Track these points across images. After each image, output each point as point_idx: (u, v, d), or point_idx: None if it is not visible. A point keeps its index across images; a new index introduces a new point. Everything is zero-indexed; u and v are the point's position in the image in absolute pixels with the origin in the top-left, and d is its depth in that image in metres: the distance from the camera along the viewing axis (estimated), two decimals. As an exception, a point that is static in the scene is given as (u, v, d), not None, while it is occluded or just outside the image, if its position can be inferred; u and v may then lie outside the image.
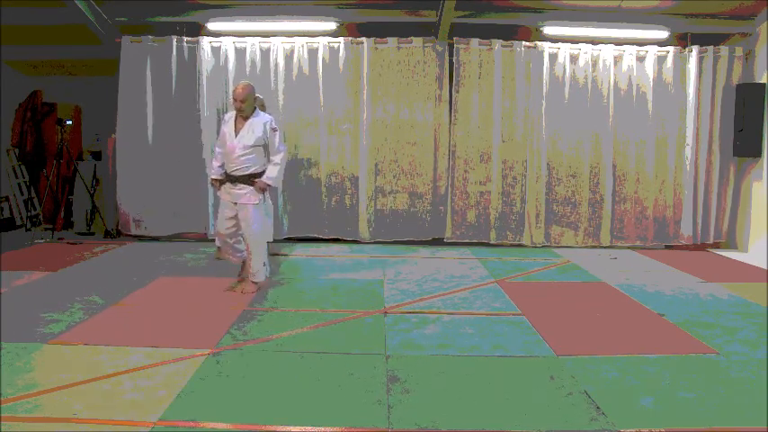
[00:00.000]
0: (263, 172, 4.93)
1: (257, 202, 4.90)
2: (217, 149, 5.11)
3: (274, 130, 4.90)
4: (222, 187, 5.00)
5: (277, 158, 4.92)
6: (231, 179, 4.91)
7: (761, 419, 2.89)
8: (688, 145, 7.46)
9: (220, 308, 4.64)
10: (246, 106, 4.81)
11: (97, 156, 8.37)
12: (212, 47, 7.35)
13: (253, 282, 5.08)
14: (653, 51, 7.40)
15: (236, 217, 4.95)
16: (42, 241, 7.38)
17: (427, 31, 7.35)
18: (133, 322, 4.28)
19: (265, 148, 4.92)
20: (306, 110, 7.45)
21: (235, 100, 4.80)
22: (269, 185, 4.97)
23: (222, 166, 5.01)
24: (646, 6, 7.18)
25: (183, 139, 7.36)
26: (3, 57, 8.20)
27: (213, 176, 5.11)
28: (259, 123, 4.85)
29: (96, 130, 8.60)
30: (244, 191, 4.88)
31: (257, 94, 6.08)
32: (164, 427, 2.75)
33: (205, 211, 7.38)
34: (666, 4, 7.13)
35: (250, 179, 4.86)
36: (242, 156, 4.82)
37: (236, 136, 4.83)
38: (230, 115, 4.98)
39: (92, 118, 8.76)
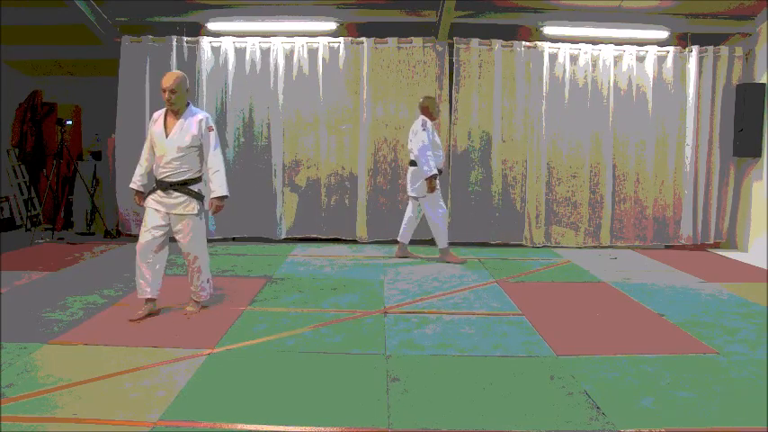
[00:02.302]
0: (200, 178, 4.32)
1: (197, 211, 4.28)
2: (143, 155, 4.42)
3: (210, 129, 4.27)
4: (150, 197, 4.30)
5: (216, 164, 4.26)
6: (162, 186, 4.24)
7: (761, 419, 2.89)
8: (688, 145, 7.46)
9: (220, 308, 4.64)
10: (177, 98, 4.17)
11: (97, 156, 8.38)
12: (212, 47, 7.35)
13: (195, 301, 4.55)
14: (653, 51, 7.41)
15: (166, 227, 4.32)
16: (42, 241, 7.38)
17: (427, 31, 7.35)
18: (133, 322, 4.28)
19: (200, 149, 4.28)
20: (306, 110, 7.45)
21: (164, 90, 4.15)
22: (225, 198, 4.32)
23: (145, 174, 4.40)
24: (646, 6, 7.18)
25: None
26: (3, 57, 8.20)
27: (133, 187, 4.43)
28: (193, 121, 4.22)
29: (96, 130, 8.60)
30: (180, 200, 4.23)
31: (430, 95, 5.72)
32: (164, 427, 2.75)
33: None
34: (666, 4, 7.13)
35: (186, 186, 4.24)
36: (176, 159, 4.19)
37: (167, 136, 4.20)
38: (159, 113, 4.33)
39: (92, 118, 8.77)
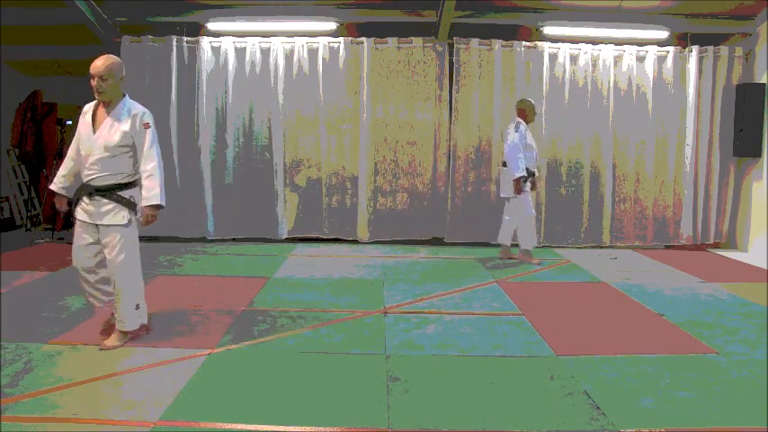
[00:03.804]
0: (133, 182, 3.70)
1: (126, 221, 3.64)
2: (68, 153, 3.82)
3: (147, 125, 3.66)
4: (79, 205, 3.69)
5: (150, 166, 3.62)
6: (87, 190, 3.63)
7: (761, 419, 2.89)
8: (688, 145, 7.46)
9: (220, 308, 4.64)
10: (108, 87, 3.60)
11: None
12: (212, 47, 7.35)
13: (120, 331, 3.76)
14: (653, 51, 7.40)
15: (98, 243, 3.68)
16: (42, 241, 7.38)
17: (427, 31, 7.35)
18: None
19: (134, 149, 3.67)
20: (306, 110, 7.45)
21: (92, 77, 3.57)
22: (160, 208, 3.67)
23: (71, 175, 3.81)
24: (646, 6, 7.18)
25: (183, 140, 7.35)
26: (3, 57, 8.20)
27: (53, 188, 3.83)
28: (126, 116, 3.64)
29: (96, 130, 8.59)
30: (107, 208, 3.61)
31: (527, 98, 5.59)
32: (164, 427, 2.75)
33: (204, 212, 7.38)
34: (666, 4, 7.13)
35: (114, 192, 3.62)
36: (102, 159, 3.58)
37: (94, 132, 3.62)
38: (90, 106, 3.75)
39: (92, 118, 8.75)
